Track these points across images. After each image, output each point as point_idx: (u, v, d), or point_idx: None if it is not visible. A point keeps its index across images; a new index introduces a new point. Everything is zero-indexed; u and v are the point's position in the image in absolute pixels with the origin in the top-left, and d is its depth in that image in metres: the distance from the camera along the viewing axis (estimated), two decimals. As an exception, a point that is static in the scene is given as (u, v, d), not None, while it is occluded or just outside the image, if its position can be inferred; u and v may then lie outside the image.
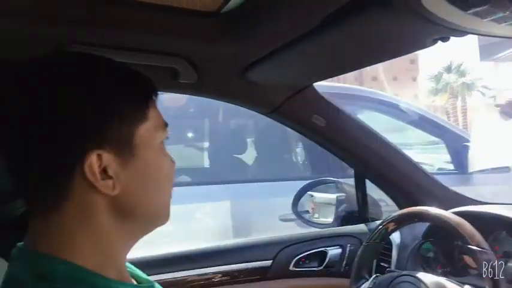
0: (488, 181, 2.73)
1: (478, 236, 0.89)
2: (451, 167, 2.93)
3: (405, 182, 1.32)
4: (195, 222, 2.41)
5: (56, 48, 0.87)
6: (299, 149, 2.95)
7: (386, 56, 0.94)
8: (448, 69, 18.03)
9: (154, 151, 0.59)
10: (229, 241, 1.38)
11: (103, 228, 0.56)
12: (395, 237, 1.28)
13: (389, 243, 1.28)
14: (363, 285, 1.08)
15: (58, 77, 0.55)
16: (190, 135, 3.17)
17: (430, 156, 3.57)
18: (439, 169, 3.03)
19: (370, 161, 1.33)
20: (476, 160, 2.77)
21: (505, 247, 1.06)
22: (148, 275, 0.69)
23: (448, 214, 0.96)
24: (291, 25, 0.81)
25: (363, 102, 2.97)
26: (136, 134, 0.57)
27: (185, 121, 3.04)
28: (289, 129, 1.37)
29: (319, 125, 1.24)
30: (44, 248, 0.54)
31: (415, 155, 3.81)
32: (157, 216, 0.62)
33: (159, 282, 0.69)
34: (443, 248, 1.15)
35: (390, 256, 1.26)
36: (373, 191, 1.47)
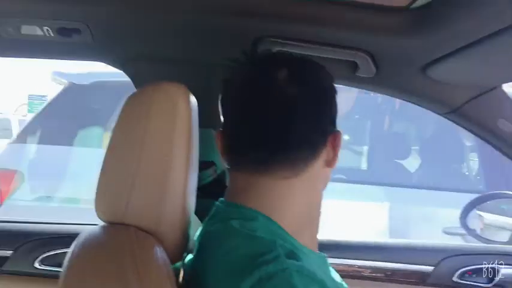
0: None
1: None
2: None
3: None
4: (350, 218, 2.42)
5: (254, 42, 0.99)
6: (471, 160, 2.71)
7: None
8: None
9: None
10: (390, 239, 1.36)
11: (316, 197, 0.71)
12: None
13: None
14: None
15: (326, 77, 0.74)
16: (349, 137, 3.20)
17: None
18: None
19: None
20: None
21: None
22: None
23: None
24: (480, 24, 0.78)
25: None
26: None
27: (348, 123, 3.07)
28: (460, 138, 1.30)
29: (505, 130, 1.14)
30: (252, 204, 0.67)
31: None
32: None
33: None
34: None
35: None
36: None
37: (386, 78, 1.08)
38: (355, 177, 2.83)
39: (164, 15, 0.96)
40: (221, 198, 0.74)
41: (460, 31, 0.84)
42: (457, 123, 1.19)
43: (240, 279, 0.59)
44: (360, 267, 1.30)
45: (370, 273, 1.30)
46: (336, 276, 0.74)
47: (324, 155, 0.69)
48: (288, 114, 0.67)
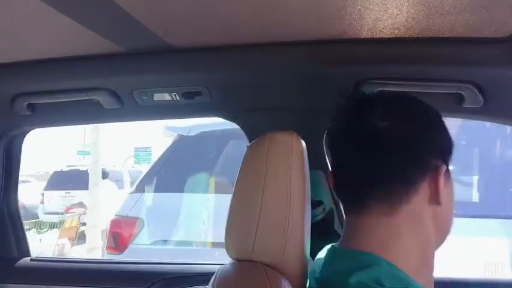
0: None
1: None
2: None
3: None
4: (466, 255, 2.26)
5: (355, 86, 1.05)
6: None
7: None
8: None
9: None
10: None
11: (427, 235, 0.68)
12: None
13: None
14: None
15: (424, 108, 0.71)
16: (456, 167, 3.02)
17: None
18: None
19: None
20: None
21: None
22: None
23: None
24: None
25: None
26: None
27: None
28: None
29: None
30: (367, 248, 0.66)
31: None
32: (449, 232, 0.71)
33: None
34: None
35: None
36: None
37: (494, 107, 1.06)
38: (467, 211, 2.66)
39: (269, 69, 1.08)
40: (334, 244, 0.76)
41: None
42: None
43: None
44: None
45: None
46: None
47: (425, 190, 0.66)
48: (378, 147, 0.65)
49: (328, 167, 1.22)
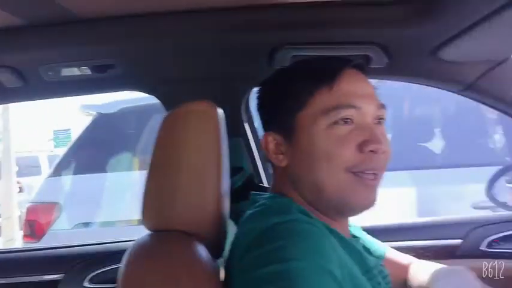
0: None
1: None
2: None
3: None
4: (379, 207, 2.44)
5: (271, 52, 1.06)
6: (497, 133, 2.71)
7: None
8: None
9: (311, 133, 0.72)
10: (417, 218, 1.40)
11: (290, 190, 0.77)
12: None
13: None
14: None
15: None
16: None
17: None
18: None
19: None
20: None
21: None
22: None
23: None
24: (482, 2, 0.83)
25: None
26: (295, 120, 0.74)
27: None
28: (483, 113, 1.32)
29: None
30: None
31: None
32: (322, 191, 0.73)
33: None
34: None
35: None
36: None
37: (398, 66, 1.14)
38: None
39: (185, 38, 1.05)
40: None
41: (464, 12, 0.89)
42: (474, 99, 1.23)
43: (257, 226, 0.68)
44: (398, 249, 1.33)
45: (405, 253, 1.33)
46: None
47: None
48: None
49: (246, 133, 1.25)
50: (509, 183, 1.83)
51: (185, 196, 0.73)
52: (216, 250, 0.78)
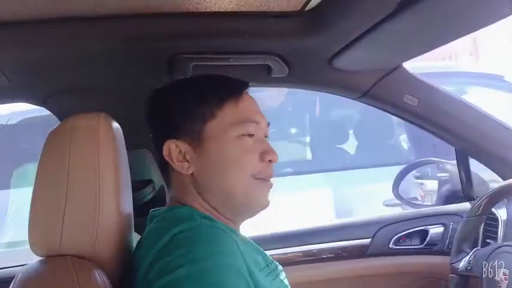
0: None
1: None
2: None
3: (509, 153, 1.28)
4: (298, 209, 2.51)
5: (169, 61, 1.04)
6: (403, 134, 2.90)
7: (470, 28, 0.94)
8: None
9: (221, 142, 0.77)
10: (329, 221, 1.45)
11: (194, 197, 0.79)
12: (502, 213, 1.25)
13: (496, 219, 1.25)
14: (464, 259, 1.09)
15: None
16: (293, 130, 3.30)
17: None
18: None
19: (469, 136, 1.31)
20: None
21: None
22: None
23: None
24: (365, 17, 0.88)
25: (467, 78, 2.84)
26: (205, 129, 0.77)
27: (287, 118, 3.17)
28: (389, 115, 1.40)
29: (411, 104, 1.26)
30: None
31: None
32: (230, 195, 0.78)
33: None
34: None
35: (497, 233, 1.23)
36: (485, 171, 1.43)
37: (298, 75, 1.17)
38: (301, 168, 2.94)
39: (77, 47, 0.99)
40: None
41: (350, 25, 0.94)
42: (371, 105, 1.31)
43: (159, 239, 0.69)
44: (317, 251, 1.38)
45: (315, 255, 1.37)
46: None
47: None
48: None
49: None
50: (417, 179, 1.96)
51: (75, 216, 0.68)
52: (116, 273, 0.73)
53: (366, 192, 2.53)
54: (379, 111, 1.33)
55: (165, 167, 0.81)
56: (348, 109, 3.12)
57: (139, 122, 1.14)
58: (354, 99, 1.28)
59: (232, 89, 0.80)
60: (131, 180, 0.82)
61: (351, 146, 3.00)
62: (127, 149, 0.82)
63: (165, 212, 0.79)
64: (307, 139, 3.24)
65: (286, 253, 1.35)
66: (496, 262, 0.99)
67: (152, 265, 0.67)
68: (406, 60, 1.21)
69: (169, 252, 0.67)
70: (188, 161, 0.78)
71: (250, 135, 0.79)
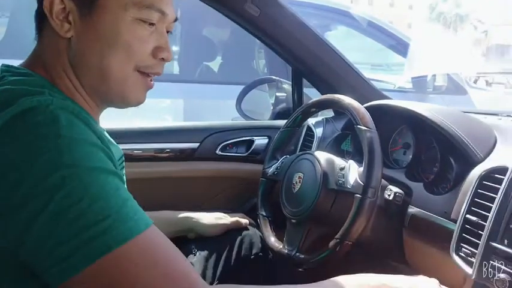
0: (443, 102, 2.82)
1: (367, 117, 0.96)
2: (410, 86, 3.02)
3: (334, 78, 1.38)
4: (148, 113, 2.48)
5: None
6: (260, 54, 2.97)
7: None
8: (445, -1, 17.54)
9: (115, 19, 0.67)
10: (163, 123, 1.44)
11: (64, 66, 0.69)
12: (318, 131, 1.36)
13: (313, 135, 1.36)
14: (274, 165, 1.17)
15: None
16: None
17: (393, 77, 3.63)
18: (399, 87, 3.10)
19: (305, 57, 1.37)
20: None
21: (406, 139, 1.16)
22: None
23: (350, 100, 1.02)
24: None
25: (331, 14, 2.97)
26: None
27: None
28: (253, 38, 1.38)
29: (252, 14, 1.25)
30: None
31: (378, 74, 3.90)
32: (104, 78, 0.70)
33: None
34: (355, 139, 1.23)
35: (311, 148, 1.35)
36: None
37: None
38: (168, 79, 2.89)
39: None
40: None
41: None
42: (212, 7, 1.27)
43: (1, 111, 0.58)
44: (147, 149, 1.39)
45: (153, 154, 1.40)
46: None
47: None
48: None
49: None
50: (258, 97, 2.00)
51: None
52: None
53: (218, 106, 2.58)
54: (246, 34, 1.32)
55: (41, 19, 0.69)
56: (221, 29, 3.09)
57: None
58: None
59: None
60: None
61: (216, 64, 3.01)
62: None
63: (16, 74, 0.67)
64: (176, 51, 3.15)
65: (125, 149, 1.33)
66: (295, 167, 1.08)
67: None
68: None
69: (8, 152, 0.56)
70: (70, 23, 0.67)
71: (151, 24, 0.70)
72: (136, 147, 1.38)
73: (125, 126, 1.42)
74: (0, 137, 0.57)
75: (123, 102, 0.74)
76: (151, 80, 0.74)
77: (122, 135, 1.37)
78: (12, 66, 0.69)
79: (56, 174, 0.55)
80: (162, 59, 0.73)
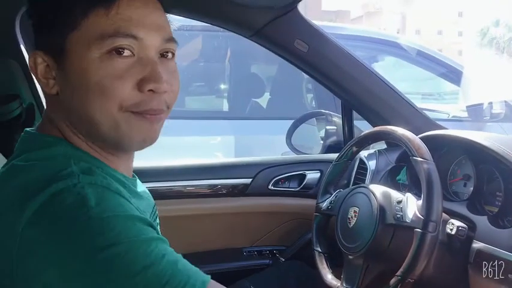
0: (502, 130, 2.69)
1: (423, 148, 0.94)
2: (466, 114, 2.91)
3: (385, 109, 1.35)
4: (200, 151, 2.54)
5: None
6: (308, 89, 2.99)
7: None
8: (496, 24, 17.00)
9: (83, 61, 0.61)
10: (216, 160, 1.47)
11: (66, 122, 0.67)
12: (371, 163, 1.34)
13: (366, 168, 1.34)
14: (327, 200, 1.16)
15: None
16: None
17: (446, 106, 3.52)
18: (454, 116, 3.00)
19: (353, 89, 1.36)
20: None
21: (465, 170, 1.11)
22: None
23: (404, 131, 1.00)
24: None
25: (379, 45, 2.96)
26: (67, 43, 0.62)
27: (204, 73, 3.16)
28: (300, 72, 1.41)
29: (301, 50, 1.28)
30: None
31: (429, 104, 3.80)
32: (94, 124, 0.64)
33: (153, 188, 0.83)
34: (411, 171, 1.20)
35: (365, 181, 1.32)
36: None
37: (194, 5, 1.13)
38: (218, 116, 2.97)
39: None
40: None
41: None
42: (262, 45, 1.30)
43: (32, 199, 0.55)
44: (199, 186, 1.42)
45: (205, 190, 1.42)
46: (145, 194, 0.76)
47: None
48: None
49: (24, 56, 1.13)
50: (308, 131, 2.01)
51: None
52: None
53: (268, 141, 2.60)
54: (293, 69, 1.36)
55: None
56: (265, 65, 3.16)
57: (6, 28, 1.06)
58: (246, 37, 1.27)
59: None
60: None
61: (264, 100, 3.06)
62: None
63: (33, 150, 0.64)
64: (226, 92, 3.25)
65: (171, 186, 1.37)
66: (349, 201, 1.06)
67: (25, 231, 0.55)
68: (298, 2, 1.21)
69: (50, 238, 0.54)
70: (54, 79, 0.64)
71: (121, 54, 0.61)
72: (189, 183, 1.41)
73: (178, 164, 1.46)
74: (35, 225, 0.54)
75: (128, 146, 0.67)
76: (153, 114, 0.65)
77: (176, 173, 1.43)
78: (31, 134, 0.68)
79: (101, 255, 0.53)
80: (151, 90, 0.63)
